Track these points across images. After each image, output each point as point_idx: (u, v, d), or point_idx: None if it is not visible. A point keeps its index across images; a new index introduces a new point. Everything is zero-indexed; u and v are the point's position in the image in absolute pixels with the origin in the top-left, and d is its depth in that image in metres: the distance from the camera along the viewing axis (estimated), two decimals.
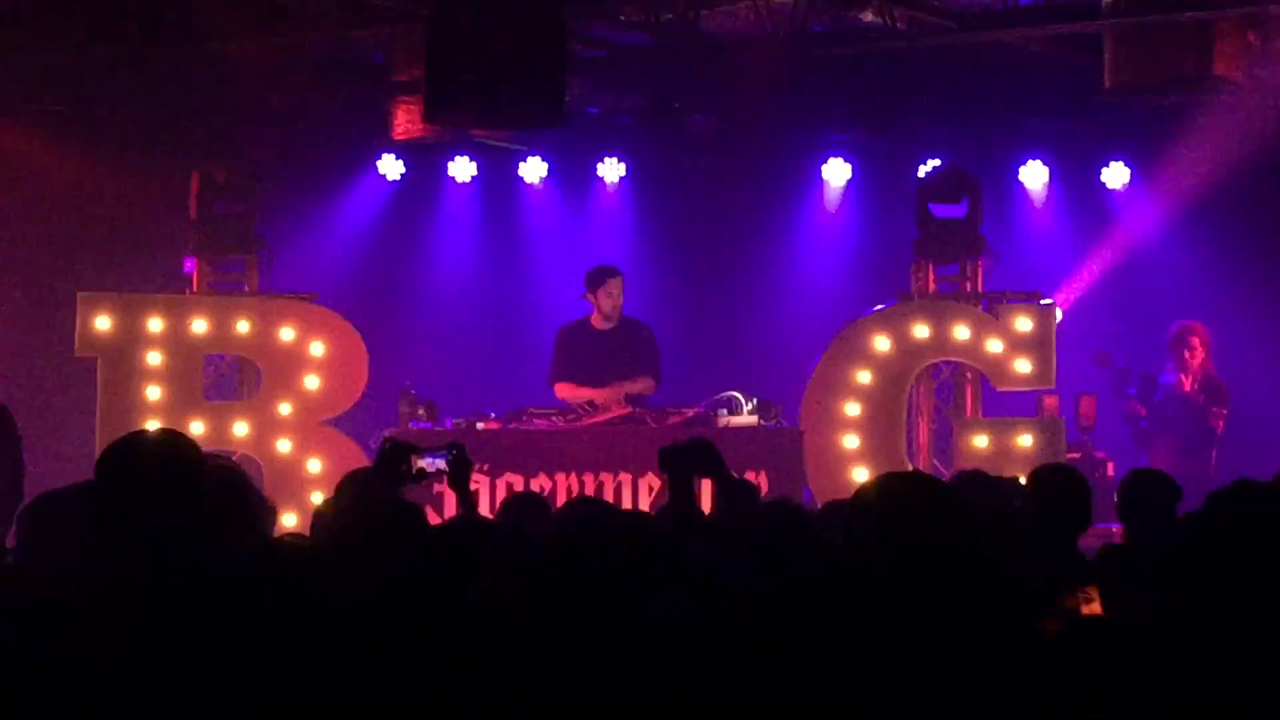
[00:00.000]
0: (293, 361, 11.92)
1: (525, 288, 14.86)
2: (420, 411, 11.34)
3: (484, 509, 9.94)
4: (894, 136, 13.79)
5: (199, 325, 11.92)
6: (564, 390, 11.62)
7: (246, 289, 12.59)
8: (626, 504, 10.69)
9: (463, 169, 14.90)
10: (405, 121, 13.24)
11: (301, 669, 3.42)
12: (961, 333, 11.68)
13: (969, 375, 12.05)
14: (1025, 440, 11.43)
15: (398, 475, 6.12)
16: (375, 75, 13.34)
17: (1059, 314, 11.99)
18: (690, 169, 14.32)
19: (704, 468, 6.24)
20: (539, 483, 10.89)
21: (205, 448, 4.51)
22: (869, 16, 12.14)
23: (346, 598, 3.67)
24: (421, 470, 6.16)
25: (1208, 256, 13.37)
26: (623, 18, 12.71)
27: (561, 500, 9.87)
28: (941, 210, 12.14)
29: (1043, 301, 11.87)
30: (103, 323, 11.80)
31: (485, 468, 10.76)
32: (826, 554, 5.05)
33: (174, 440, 4.22)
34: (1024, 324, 11.60)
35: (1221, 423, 12.72)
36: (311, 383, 11.91)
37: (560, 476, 11.02)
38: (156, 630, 3.39)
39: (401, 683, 3.41)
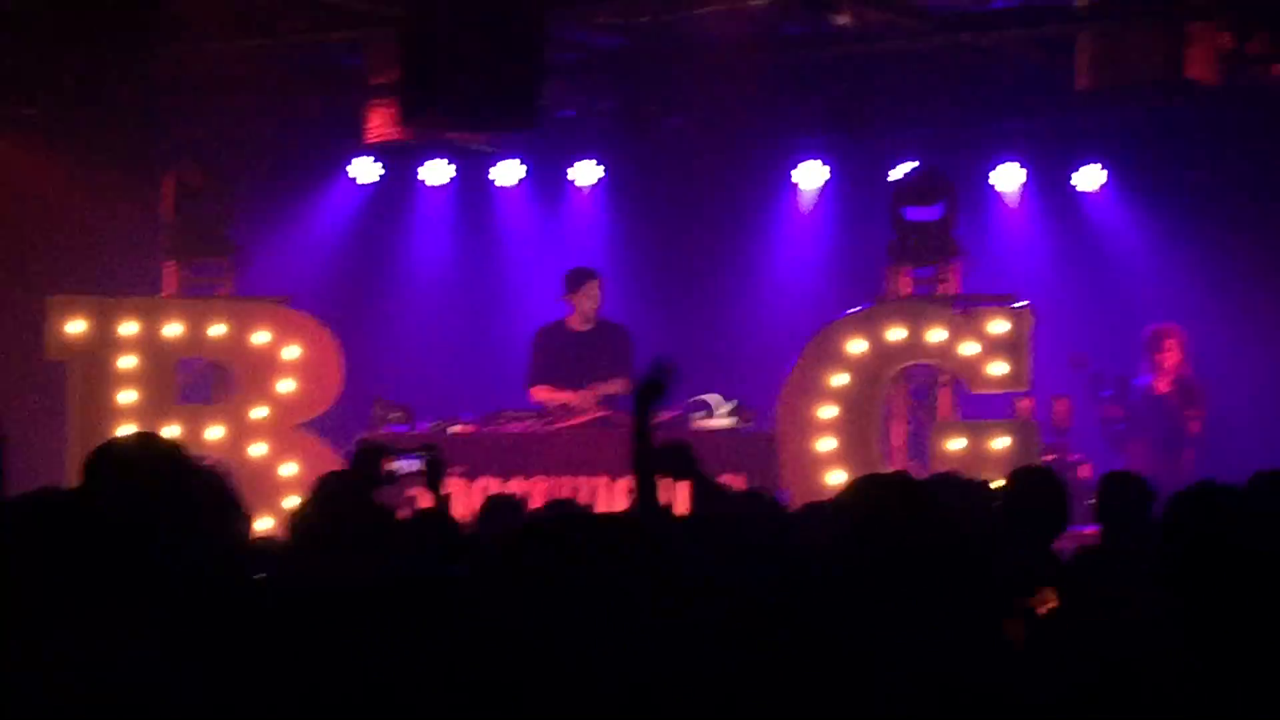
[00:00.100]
0: (267, 365, 11.87)
1: (500, 291, 14.85)
2: (395, 414, 11.32)
3: (460, 512, 9.92)
4: (869, 139, 13.78)
5: (173, 329, 11.86)
6: (540, 394, 11.62)
7: (221, 292, 12.55)
8: (603, 506, 10.67)
9: (437, 172, 14.86)
10: (379, 125, 13.19)
11: (301, 669, 3.41)
12: (937, 335, 11.68)
13: (944, 378, 12.05)
14: (1000, 443, 11.42)
15: (373, 478, 6.11)
16: (350, 78, 13.31)
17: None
18: (665, 172, 14.32)
19: (681, 470, 6.23)
20: (516, 485, 10.88)
21: None
22: (843, 19, 12.14)
23: (339, 597, 3.67)
24: (395, 472, 6.16)
25: (1182, 258, 13.41)
26: (599, 20, 12.70)
27: (538, 503, 9.86)
28: (916, 213, 12.14)
29: (1017, 304, 11.87)
30: (75, 326, 11.74)
31: (462, 470, 10.74)
32: (803, 550, 5.05)
33: (164, 443, 4.24)
34: (999, 326, 11.59)
35: (1197, 424, 12.75)
36: (286, 386, 11.86)
37: (537, 479, 11.01)
38: (155, 630, 3.38)
39: (401, 682, 3.41)
